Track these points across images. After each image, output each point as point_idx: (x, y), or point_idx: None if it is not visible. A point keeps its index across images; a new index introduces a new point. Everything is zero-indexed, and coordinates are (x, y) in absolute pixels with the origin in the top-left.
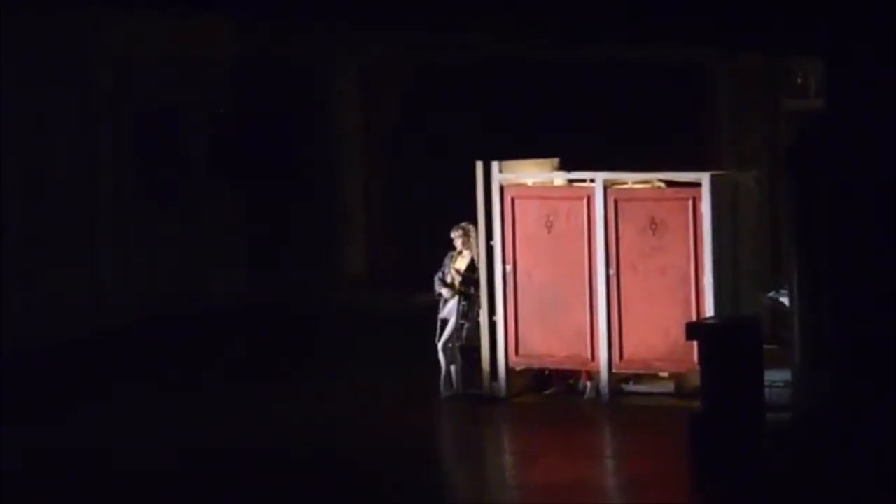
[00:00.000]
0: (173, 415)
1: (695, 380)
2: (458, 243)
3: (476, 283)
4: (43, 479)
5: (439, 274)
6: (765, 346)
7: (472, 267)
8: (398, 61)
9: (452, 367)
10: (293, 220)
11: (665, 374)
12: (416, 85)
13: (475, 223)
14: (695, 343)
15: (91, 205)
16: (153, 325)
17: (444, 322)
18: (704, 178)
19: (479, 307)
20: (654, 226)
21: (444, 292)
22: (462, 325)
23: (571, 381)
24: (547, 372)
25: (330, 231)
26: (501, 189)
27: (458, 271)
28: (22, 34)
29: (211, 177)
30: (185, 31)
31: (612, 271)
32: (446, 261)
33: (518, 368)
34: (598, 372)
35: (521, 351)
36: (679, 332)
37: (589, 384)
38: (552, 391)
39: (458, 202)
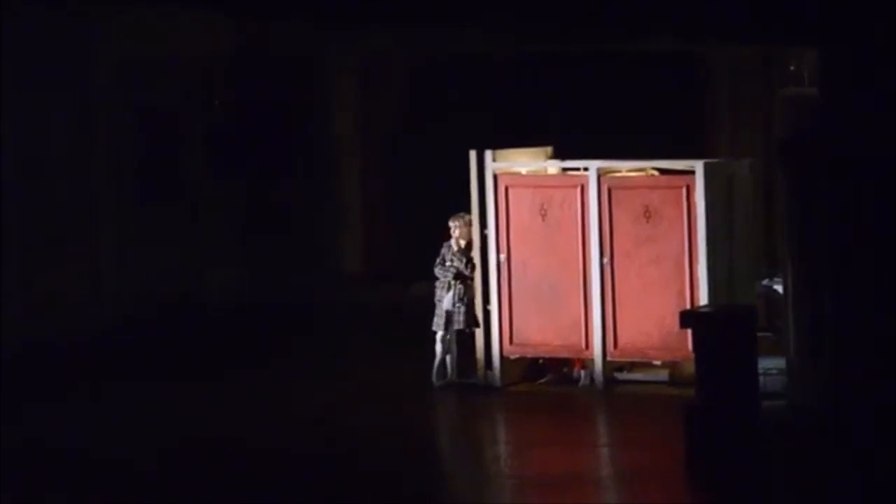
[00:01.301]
0: (172, 413)
1: (689, 368)
2: (455, 233)
3: (472, 266)
4: (42, 477)
5: (439, 259)
6: (759, 334)
7: (469, 248)
8: (396, 56)
9: (448, 357)
10: (291, 217)
11: (658, 363)
12: (413, 79)
13: (470, 214)
14: (689, 331)
15: (90, 203)
16: (152, 323)
17: (446, 312)
18: (698, 165)
19: (474, 291)
20: (648, 214)
21: (445, 273)
22: (458, 308)
23: (565, 370)
24: (541, 360)
25: (328, 227)
26: (495, 178)
27: (459, 253)
28: (20, 32)
29: (209, 175)
30: (184, 28)
31: (606, 260)
32: (444, 250)
33: (512, 357)
34: (591, 360)
35: (515, 340)
36: (673, 321)
37: (583, 372)
38: (546, 380)
39: (454, 196)
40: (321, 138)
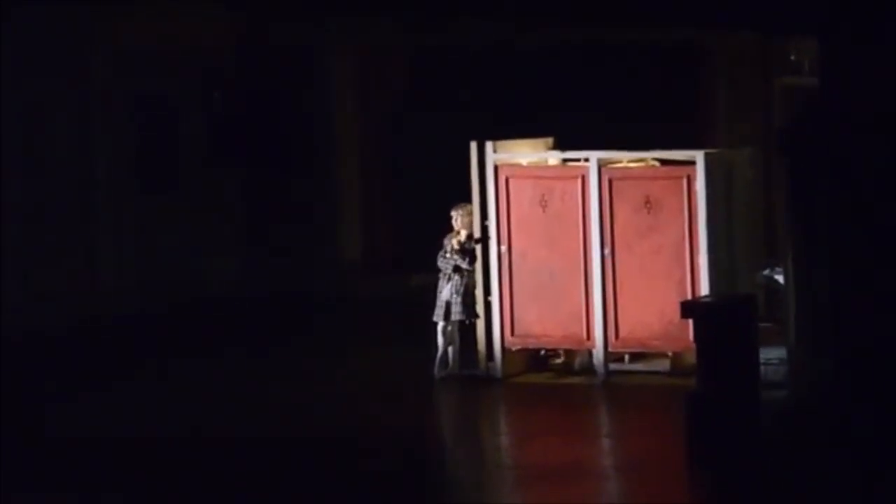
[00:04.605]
0: (171, 402)
1: (690, 358)
2: (457, 223)
3: (472, 256)
4: (41, 468)
5: (441, 253)
6: (760, 324)
7: (471, 239)
8: (396, 43)
9: (450, 349)
10: (290, 206)
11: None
12: (413, 67)
13: (471, 204)
14: (690, 322)
15: (88, 193)
16: (151, 312)
17: (446, 303)
18: (699, 156)
19: (474, 282)
20: (648, 205)
21: (447, 264)
22: (456, 299)
23: (559, 361)
24: (543, 352)
25: (326, 216)
26: (496, 169)
27: (458, 244)
28: (17, 22)
29: (208, 163)
30: (182, 16)
31: (607, 251)
32: (445, 242)
33: (514, 349)
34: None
35: (516, 331)
36: (674, 311)
37: (578, 360)
38: (553, 371)
39: (454, 183)
40: (320, 126)
